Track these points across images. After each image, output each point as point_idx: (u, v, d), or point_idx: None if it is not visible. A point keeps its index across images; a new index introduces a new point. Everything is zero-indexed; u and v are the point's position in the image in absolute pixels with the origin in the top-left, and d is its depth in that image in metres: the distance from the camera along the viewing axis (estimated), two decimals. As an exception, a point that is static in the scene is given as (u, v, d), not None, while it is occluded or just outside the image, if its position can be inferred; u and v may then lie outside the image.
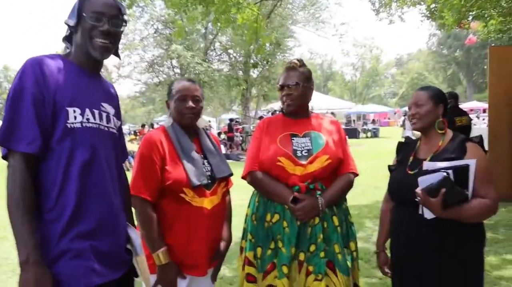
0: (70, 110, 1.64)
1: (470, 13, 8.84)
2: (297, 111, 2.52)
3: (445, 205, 2.01)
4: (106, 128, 1.79)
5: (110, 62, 27.36)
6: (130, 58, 25.12)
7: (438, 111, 2.29)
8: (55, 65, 1.67)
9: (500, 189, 2.22)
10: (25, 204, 1.53)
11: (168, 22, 22.38)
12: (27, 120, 1.57)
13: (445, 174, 1.99)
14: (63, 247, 1.59)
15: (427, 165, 2.11)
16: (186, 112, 2.29)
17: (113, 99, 1.92)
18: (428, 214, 2.09)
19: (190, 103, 2.28)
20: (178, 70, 24.75)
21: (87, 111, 1.70)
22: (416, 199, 2.08)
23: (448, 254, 2.12)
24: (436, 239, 2.13)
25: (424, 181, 2.05)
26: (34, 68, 1.61)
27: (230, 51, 25.34)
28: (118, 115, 1.93)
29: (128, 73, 25.77)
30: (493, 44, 11.44)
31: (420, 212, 2.13)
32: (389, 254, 2.47)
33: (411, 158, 2.34)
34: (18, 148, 1.56)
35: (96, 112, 1.74)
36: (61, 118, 1.62)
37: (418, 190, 2.06)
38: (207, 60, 23.50)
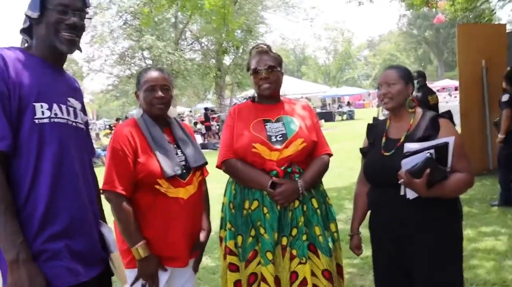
0: (37, 105, 1.59)
1: (438, -9, 8.93)
2: (272, 95, 2.50)
3: (429, 184, 2.03)
4: (74, 123, 1.74)
5: (80, 56, 26.85)
6: (100, 51, 24.67)
7: (408, 90, 2.30)
8: (18, 58, 1.61)
9: (472, 164, 2.26)
10: (5, 201, 1.48)
11: (137, 13, 21.96)
12: None
13: (428, 154, 2.01)
14: (38, 248, 1.55)
15: (407, 147, 2.11)
16: (155, 102, 2.24)
17: (78, 94, 1.87)
18: (411, 194, 2.11)
19: (159, 93, 2.23)
20: (150, 62, 24.39)
21: (55, 106, 1.65)
22: (400, 181, 2.09)
23: (431, 230, 2.15)
24: (420, 217, 2.15)
25: (407, 163, 2.05)
26: None
27: (202, 39, 25.10)
28: (84, 110, 1.88)
29: (99, 67, 25.32)
30: (460, 23, 11.60)
31: (402, 193, 2.14)
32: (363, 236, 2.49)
33: (383, 139, 2.35)
34: None
35: (64, 107, 1.70)
36: (27, 113, 1.57)
37: (401, 172, 2.06)
38: (178, 50, 23.21)
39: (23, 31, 1.75)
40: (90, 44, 23.85)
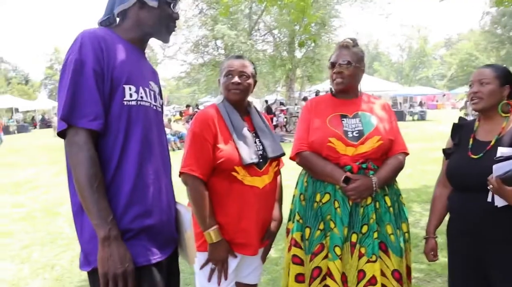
0: (127, 87, 1.63)
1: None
2: (346, 90, 2.47)
3: None
4: (154, 107, 1.79)
5: (155, 43, 27.77)
6: (175, 39, 25.38)
7: (504, 92, 2.15)
8: (111, 40, 1.65)
9: None
10: (97, 179, 1.52)
11: (213, 2, 22.36)
12: (90, 95, 1.54)
13: None
14: (124, 226, 1.59)
15: (501, 151, 1.99)
16: (231, 87, 2.27)
17: (157, 78, 1.92)
18: (500, 202, 1.99)
19: (236, 79, 2.26)
20: (222, 51, 24.79)
21: (141, 89, 1.70)
22: (489, 187, 1.98)
23: None
24: (507, 227, 2.03)
25: (499, 169, 1.93)
26: (93, 42, 1.58)
27: (275, 31, 25.11)
28: (160, 93, 1.93)
29: (173, 54, 26.06)
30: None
31: (490, 199, 2.03)
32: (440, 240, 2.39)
33: (471, 141, 2.22)
34: (82, 124, 1.53)
35: (147, 90, 1.74)
36: (118, 95, 1.61)
37: (491, 177, 1.95)
38: (251, 40, 23.38)
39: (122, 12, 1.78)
40: (167, 32, 24.59)
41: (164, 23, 1.79)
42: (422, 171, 8.73)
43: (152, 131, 1.74)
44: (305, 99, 18.99)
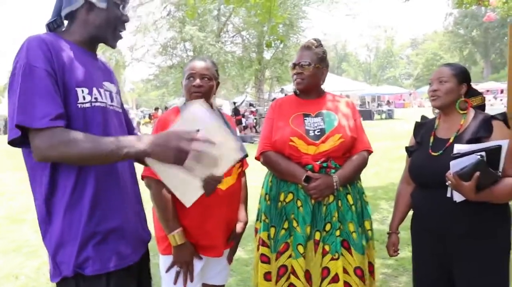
0: (79, 90, 1.59)
1: (489, -11, 8.59)
2: (307, 90, 2.49)
3: (478, 188, 1.96)
4: (111, 107, 1.74)
5: (123, 45, 27.38)
6: (143, 41, 25.11)
7: (461, 90, 2.22)
8: (57, 44, 1.60)
9: None
10: (88, 134, 1.49)
11: (181, 4, 22.24)
12: (47, 95, 1.47)
13: (479, 157, 1.93)
14: (91, 230, 1.55)
15: (457, 148, 2.04)
16: (192, 90, 2.27)
17: (112, 77, 1.87)
18: (458, 197, 2.04)
19: (197, 81, 2.26)
20: (191, 53, 24.66)
21: (94, 90, 1.65)
22: (447, 183, 2.03)
23: (477, 234, 2.08)
24: (466, 221, 2.09)
25: (456, 165, 1.98)
26: (40, 46, 1.52)
27: (243, 32, 25.16)
28: (119, 92, 1.88)
29: (141, 56, 25.77)
30: (512, 22, 11.15)
31: (449, 195, 2.08)
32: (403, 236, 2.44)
33: (431, 138, 2.28)
34: (43, 124, 1.43)
35: (101, 91, 1.70)
36: (71, 99, 1.56)
37: (449, 174, 2.00)
38: (220, 42, 23.36)
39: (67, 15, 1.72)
40: (134, 34, 24.33)
41: (112, 26, 1.74)
42: (389, 169, 8.89)
43: (111, 133, 1.70)
44: (274, 100, 19.09)
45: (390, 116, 29.50)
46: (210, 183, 1.70)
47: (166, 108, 24.30)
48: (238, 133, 18.66)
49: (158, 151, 1.48)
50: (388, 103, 35.28)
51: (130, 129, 1.95)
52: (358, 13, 33.49)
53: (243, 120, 20.49)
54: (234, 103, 23.43)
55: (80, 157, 1.46)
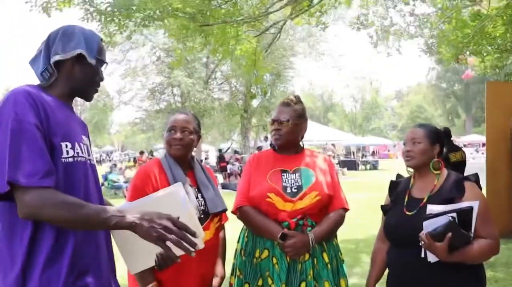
0: (63, 144, 1.59)
1: (467, 48, 8.94)
2: (285, 146, 2.51)
3: (450, 249, 1.98)
4: (89, 161, 1.75)
5: (112, 88, 27.62)
6: (131, 85, 25.36)
7: (434, 150, 2.26)
8: (41, 97, 1.60)
9: (499, 225, 2.21)
10: (78, 202, 1.49)
11: (171, 50, 22.68)
12: (37, 151, 1.47)
13: (450, 218, 1.96)
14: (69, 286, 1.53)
15: (430, 208, 2.07)
16: (173, 143, 2.29)
17: (87, 131, 1.89)
18: (432, 258, 2.05)
19: (178, 134, 2.28)
20: (178, 98, 24.92)
21: (76, 144, 1.66)
22: (420, 244, 2.04)
23: None
24: (441, 282, 2.08)
25: (429, 225, 2.00)
26: (27, 98, 1.52)
27: (232, 80, 25.58)
28: (90, 146, 1.89)
29: (129, 99, 25.94)
30: (490, 79, 11.54)
31: (423, 255, 2.09)
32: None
33: (406, 197, 2.30)
34: (32, 183, 1.43)
35: (81, 145, 1.70)
36: (56, 153, 1.56)
37: (423, 234, 2.01)
38: (208, 89, 23.67)
39: (53, 65, 1.70)
40: (123, 77, 24.61)
41: (93, 82, 1.77)
42: (372, 221, 8.83)
43: (91, 187, 1.71)
44: (259, 148, 19.16)
45: (374, 167, 29.72)
46: (166, 261, 1.74)
47: (151, 152, 24.23)
48: (222, 180, 18.60)
49: (145, 227, 1.47)
50: (373, 153, 35.65)
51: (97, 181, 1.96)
52: (344, 65, 34.20)
53: (228, 167, 20.45)
54: (220, 149, 23.45)
55: (69, 222, 1.47)
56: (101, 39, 1.84)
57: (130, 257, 1.73)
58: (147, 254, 1.70)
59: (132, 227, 1.48)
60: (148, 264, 1.74)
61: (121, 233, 1.60)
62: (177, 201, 1.72)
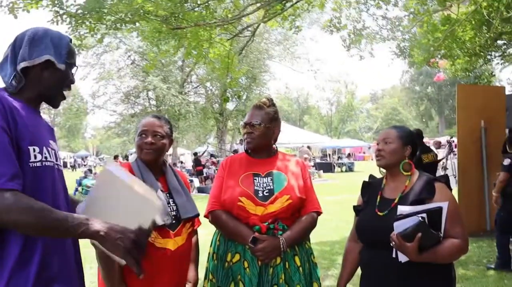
0: (31, 149, 1.56)
1: (438, 52, 9.13)
2: (257, 150, 2.50)
3: (420, 249, 2.00)
4: (57, 166, 1.72)
5: (85, 91, 27.22)
6: (105, 89, 25.05)
7: (405, 151, 2.29)
8: (10, 101, 1.57)
9: (469, 225, 2.24)
10: (45, 207, 1.45)
11: (145, 53, 22.50)
12: (3, 153, 1.45)
13: (420, 218, 1.99)
14: None
15: (400, 209, 2.09)
16: (144, 147, 2.25)
17: (54, 135, 1.86)
18: (403, 258, 2.07)
19: (149, 139, 2.24)
20: (154, 102, 24.73)
21: (44, 149, 1.63)
22: (391, 244, 2.06)
23: None
24: (412, 281, 2.11)
25: (399, 226, 2.03)
26: None
27: (207, 83, 25.51)
28: (58, 151, 1.86)
29: (103, 103, 25.62)
30: (461, 82, 11.81)
31: (394, 255, 2.11)
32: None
33: (378, 198, 2.32)
34: (5, 185, 1.41)
35: (49, 149, 1.68)
36: (24, 157, 1.53)
37: (393, 235, 2.03)
38: (183, 93, 23.55)
39: (21, 70, 1.66)
40: (97, 81, 24.29)
41: (62, 87, 1.75)
42: (348, 223, 8.78)
43: (59, 192, 1.69)
44: (235, 151, 19.14)
45: (350, 169, 30.02)
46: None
47: (126, 156, 23.96)
48: (198, 184, 18.49)
49: (112, 237, 1.47)
50: (349, 156, 35.98)
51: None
52: (319, 68, 34.41)
53: (204, 170, 20.37)
54: (196, 153, 23.32)
55: (35, 227, 1.44)
56: (71, 41, 1.81)
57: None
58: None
59: (98, 236, 1.46)
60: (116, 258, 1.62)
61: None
62: (113, 177, 1.70)
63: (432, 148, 8.90)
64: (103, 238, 1.46)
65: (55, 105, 1.80)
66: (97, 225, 1.47)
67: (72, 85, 1.83)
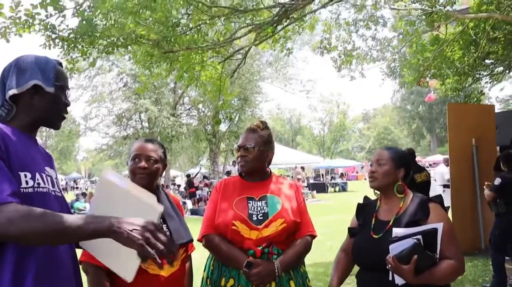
0: (22, 174, 1.56)
1: (428, 71, 9.25)
2: (251, 173, 2.49)
3: (417, 271, 1.99)
4: (53, 192, 1.71)
5: (78, 114, 27.16)
6: (98, 111, 25.04)
7: (398, 174, 2.29)
8: (1, 129, 1.57)
9: (463, 243, 2.24)
10: (49, 213, 1.43)
11: (137, 76, 22.57)
12: (2, 171, 1.45)
13: (415, 240, 1.99)
14: None
15: (395, 231, 2.09)
16: (137, 171, 2.22)
17: (52, 163, 1.85)
18: (400, 280, 2.06)
19: (143, 163, 2.22)
20: (146, 124, 24.71)
21: (37, 175, 1.62)
22: (387, 267, 2.05)
23: None
24: None
25: (395, 248, 2.03)
26: None
27: (199, 105, 25.57)
28: (57, 178, 1.85)
29: (95, 126, 25.58)
30: (452, 101, 11.93)
31: (391, 278, 2.09)
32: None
33: (373, 220, 2.31)
34: (3, 199, 1.40)
35: (44, 176, 1.67)
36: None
37: (389, 257, 2.03)
38: (176, 115, 23.58)
39: (10, 99, 1.67)
40: (89, 103, 24.28)
41: (57, 109, 1.74)
42: (342, 243, 8.83)
43: None
44: (228, 173, 19.09)
45: (344, 188, 29.98)
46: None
47: (119, 179, 23.78)
48: (191, 206, 18.37)
49: (125, 229, 1.41)
50: (342, 175, 35.96)
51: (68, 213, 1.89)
52: (311, 89, 34.55)
53: (197, 192, 20.26)
54: (188, 175, 23.23)
55: (41, 233, 1.39)
56: (59, 63, 1.81)
57: (118, 267, 1.65)
58: (129, 254, 1.56)
59: (112, 231, 1.41)
60: (136, 263, 1.60)
61: (99, 249, 1.61)
62: (112, 184, 1.70)
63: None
64: (116, 233, 1.41)
65: (54, 126, 1.81)
66: (107, 220, 1.43)
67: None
